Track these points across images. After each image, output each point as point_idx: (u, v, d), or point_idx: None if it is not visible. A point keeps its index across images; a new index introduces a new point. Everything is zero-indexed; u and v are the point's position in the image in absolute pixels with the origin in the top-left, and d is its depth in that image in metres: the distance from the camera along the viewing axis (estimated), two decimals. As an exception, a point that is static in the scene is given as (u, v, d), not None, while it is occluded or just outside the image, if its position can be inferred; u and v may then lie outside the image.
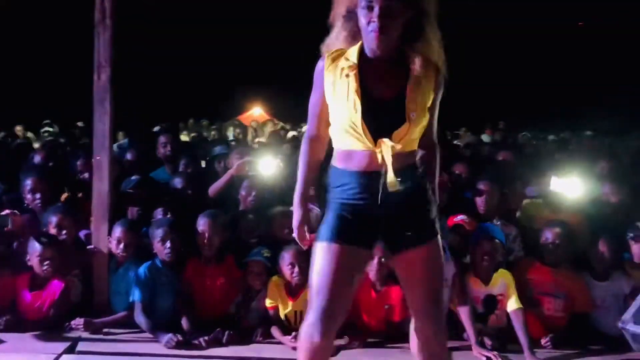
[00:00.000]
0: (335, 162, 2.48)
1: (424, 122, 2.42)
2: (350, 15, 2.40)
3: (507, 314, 4.02)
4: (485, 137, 10.73)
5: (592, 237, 4.24)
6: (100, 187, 4.06)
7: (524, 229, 4.48)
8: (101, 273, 4.08)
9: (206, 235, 3.98)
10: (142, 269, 3.94)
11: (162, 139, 5.00)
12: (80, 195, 4.62)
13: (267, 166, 4.59)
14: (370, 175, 2.36)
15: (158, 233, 3.92)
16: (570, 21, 18.09)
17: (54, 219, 4.06)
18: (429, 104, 2.42)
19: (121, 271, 4.04)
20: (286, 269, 4.01)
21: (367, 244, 2.47)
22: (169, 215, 4.19)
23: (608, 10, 16.09)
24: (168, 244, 3.90)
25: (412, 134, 2.37)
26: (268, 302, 4.07)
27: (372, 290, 4.04)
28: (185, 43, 17.11)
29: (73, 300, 4.02)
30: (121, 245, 3.98)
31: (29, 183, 4.29)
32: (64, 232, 4.06)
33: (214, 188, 4.63)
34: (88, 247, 4.12)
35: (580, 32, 18.38)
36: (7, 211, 3.97)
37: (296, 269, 3.97)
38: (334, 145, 2.50)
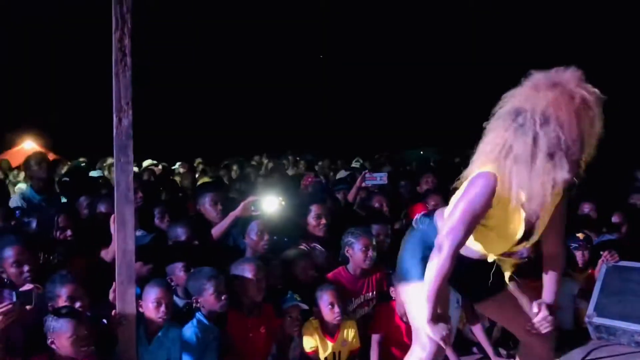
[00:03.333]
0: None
1: None
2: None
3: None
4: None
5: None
6: (125, 246, 3.35)
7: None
8: (129, 344, 3.35)
9: (255, 281, 3.56)
10: (190, 331, 3.37)
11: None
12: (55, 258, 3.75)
13: (270, 205, 4.24)
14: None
15: (209, 285, 3.40)
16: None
17: (63, 291, 3.25)
18: None
19: (160, 336, 3.38)
20: (326, 309, 3.77)
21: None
22: (192, 270, 3.64)
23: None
24: (224, 295, 3.41)
25: None
26: (308, 347, 3.78)
27: (401, 323, 3.98)
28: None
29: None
30: (162, 308, 3.35)
31: (11, 255, 3.36)
32: (78, 304, 3.28)
33: (217, 231, 4.14)
34: (112, 315, 3.37)
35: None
36: (29, 286, 3.07)
37: (336, 309, 3.77)
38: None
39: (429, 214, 2.80)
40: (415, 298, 2.65)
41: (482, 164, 2.45)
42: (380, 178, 5.17)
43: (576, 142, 2.28)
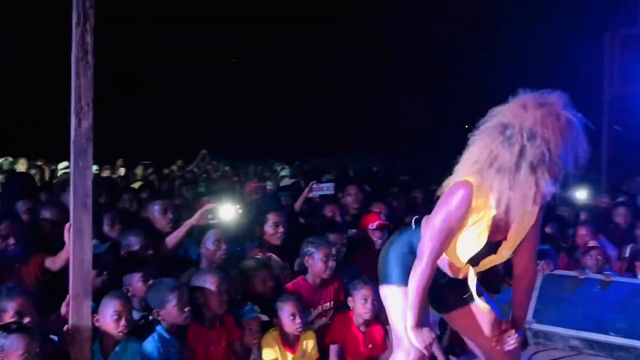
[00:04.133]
0: None
1: None
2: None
3: (453, 333, 4.36)
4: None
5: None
6: (82, 256, 3.08)
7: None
8: (84, 360, 3.12)
9: (218, 293, 3.41)
10: (151, 345, 3.16)
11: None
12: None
13: (227, 213, 4.08)
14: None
15: (172, 297, 3.21)
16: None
17: (10, 305, 2.96)
18: None
19: (118, 351, 3.14)
20: (287, 320, 3.67)
21: None
22: (150, 281, 3.44)
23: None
24: (187, 307, 3.24)
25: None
26: (267, 359, 3.66)
27: (358, 332, 3.95)
28: None
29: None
30: (122, 321, 3.12)
31: None
32: (27, 319, 3.00)
33: (172, 240, 3.92)
34: (65, 330, 3.10)
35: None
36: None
37: (298, 319, 3.67)
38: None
39: (419, 220, 2.79)
40: (396, 303, 2.66)
41: (465, 173, 2.48)
42: (327, 188, 5.12)
43: (559, 159, 2.36)
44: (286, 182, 6.85)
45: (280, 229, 4.20)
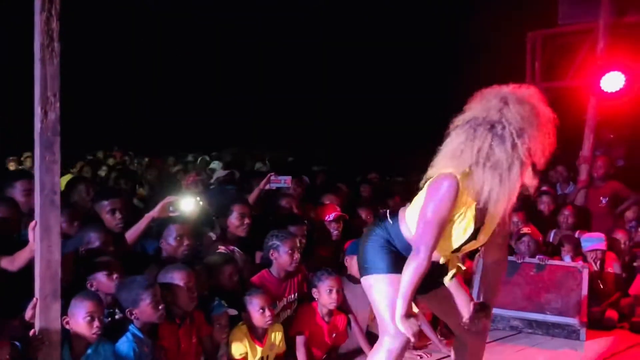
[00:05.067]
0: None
1: None
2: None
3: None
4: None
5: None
6: (50, 256, 2.88)
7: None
8: (53, 366, 2.93)
9: (187, 289, 3.30)
10: (126, 345, 3.02)
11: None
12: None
13: (187, 205, 3.94)
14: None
15: (146, 295, 3.07)
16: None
17: None
18: None
19: (90, 354, 2.97)
20: (257, 314, 3.63)
21: None
22: (115, 277, 3.28)
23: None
24: (161, 305, 3.12)
25: None
26: (237, 353, 3.61)
27: (323, 323, 3.98)
28: None
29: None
30: (95, 322, 2.95)
31: None
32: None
33: (132, 234, 3.74)
34: (31, 335, 2.90)
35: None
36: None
37: (267, 313, 3.64)
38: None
39: (395, 213, 2.82)
40: (383, 291, 2.69)
41: (448, 166, 2.55)
42: (284, 181, 5.03)
43: (542, 153, 2.49)
44: (220, 173, 6.65)
45: (246, 221, 4.13)
